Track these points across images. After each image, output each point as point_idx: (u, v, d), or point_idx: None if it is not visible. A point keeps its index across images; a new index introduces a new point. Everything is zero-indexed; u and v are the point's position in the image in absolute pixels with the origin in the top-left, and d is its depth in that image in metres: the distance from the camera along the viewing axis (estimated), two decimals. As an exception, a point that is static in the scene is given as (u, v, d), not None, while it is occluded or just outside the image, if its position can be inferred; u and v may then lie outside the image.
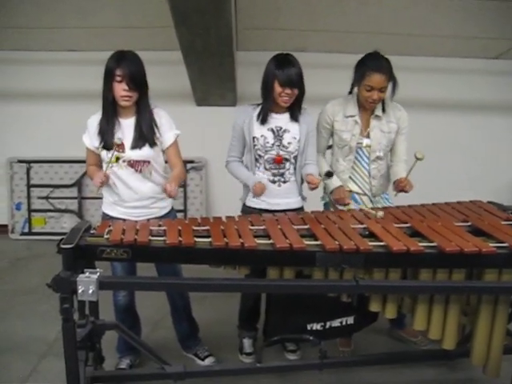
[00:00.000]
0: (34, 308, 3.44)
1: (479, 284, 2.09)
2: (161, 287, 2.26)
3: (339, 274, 2.05)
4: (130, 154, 2.44)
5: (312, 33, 4.62)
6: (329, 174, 2.57)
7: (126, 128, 2.45)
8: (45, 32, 4.64)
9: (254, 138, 2.65)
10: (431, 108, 5.17)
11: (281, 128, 2.64)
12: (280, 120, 2.65)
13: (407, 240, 2.04)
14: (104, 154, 2.45)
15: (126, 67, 2.31)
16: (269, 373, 2.55)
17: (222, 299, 3.30)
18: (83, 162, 2.61)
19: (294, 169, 2.68)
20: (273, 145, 2.63)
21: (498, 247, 2.00)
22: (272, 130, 2.64)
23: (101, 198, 2.61)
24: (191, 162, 5.25)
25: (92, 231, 2.12)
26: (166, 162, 2.60)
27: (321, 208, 2.84)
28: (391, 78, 2.62)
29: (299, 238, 2.04)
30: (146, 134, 2.43)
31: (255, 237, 2.05)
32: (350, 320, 2.41)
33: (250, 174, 2.69)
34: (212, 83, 4.72)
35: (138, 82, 2.36)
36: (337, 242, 1.99)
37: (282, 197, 2.68)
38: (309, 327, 2.37)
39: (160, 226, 2.18)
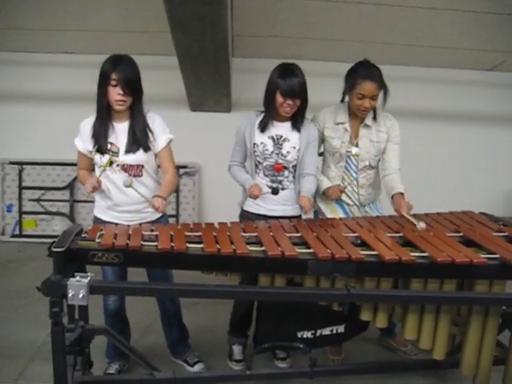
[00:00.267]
0: (22, 311, 3.41)
1: (470, 295, 2.10)
2: (152, 292, 2.25)
3: (331, 282, 2.05)
4: (124, 158, 2.43)
5: (308, 41, 4.63)
6: (274, 192, 2.58)
7: (120, 132, 2.44)
8: (43, 34, 4.62)
9: (254, 144, 2.65)
10: (425, 118, 5.20)
11: (281, 136, 2.64)
12: (281, 128, 2.65)
13: (399, 250, 2.04)
14: (97, 157, 2.44)
15: (121, 71, 2.30)
16: (258, 380, 2.54)
17: (213, 305, 3.29)
18: (76, 164, 2.59)
19: (293, 177, 2.69)
20: (272, 152, 2.63)
21: (489, 258, 2.01)
22: (272, 138, 2.64)
23: (93, 202, 2.60)
24: (184, 167, 5.23)
25: (83, 235, 2.12)
26: (158, 166, 2.60)
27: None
28: (382, 85, 2.64)
29: (291, 246, 2.04)
30: (139, 139, 2.43)
31: (247, 244, 2.05)
32: (341, 328, 2.41)
33: (248, 176, 2.70)
34: (207, 89, 4.72)
35: (133, 87, 2.35)
36: (329, 251, 1.99)
37: (279, 203, 2.68)
38: (299, 335, 2.37)
39: (152, 230, 2.18)
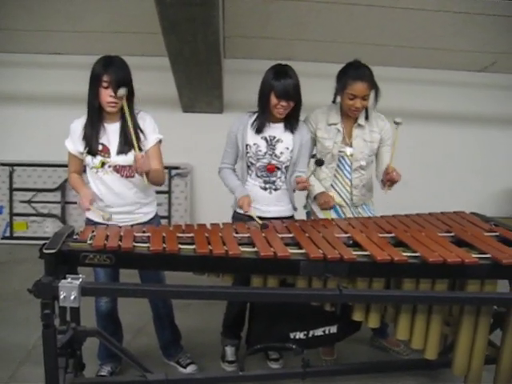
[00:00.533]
0: (13, 313, 3.39)
1: (461, 294, 2.11)
2: (144, 294, 2.24)
3: (323, 282, 2.06)
4: (116, 159, 2.42)
5: (299, 42, 4.64)
6: (318, 163, 2.50)
7: (111, 133, 2.44)
8: (33, 35, 4.59)
9: (247, 145, 2.65)
10: (416, 119, 5.20)
11: (274, 137, 2.64)
12: (275, 129, 2.65)
13: (391, 250, 2.05)
14: (89, 159, 2.43)
15: (113, 73, 2.29)
16: (251, 381, 2.53)
17: (205, 307, 3.28)
18: (67, 166, 2.58)
19: (285, 178, 2.69)
20: (265, 153, 2.63)
21: (480, 258, 2.02)
22: (265, 139, 2.64)
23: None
24: (176, 168, 5.23)
25: (75, 236, 2.11)
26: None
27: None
28: (373, 85, 2.65)
29: (283, 247, 2.04)
30: (131, 139, 2.42)
31: (240, 244, 2.05)
32: (333, 329, 2.41)
33: (238, 183, 2.69)
34: (199, 90, 4.72)
35: (125, 89, 2.34)
36: (321, 251, 2.00)
37: (273, 204, 2.68)
38: (292, 336, 2.37)
39: (144, 232, 2.17)
